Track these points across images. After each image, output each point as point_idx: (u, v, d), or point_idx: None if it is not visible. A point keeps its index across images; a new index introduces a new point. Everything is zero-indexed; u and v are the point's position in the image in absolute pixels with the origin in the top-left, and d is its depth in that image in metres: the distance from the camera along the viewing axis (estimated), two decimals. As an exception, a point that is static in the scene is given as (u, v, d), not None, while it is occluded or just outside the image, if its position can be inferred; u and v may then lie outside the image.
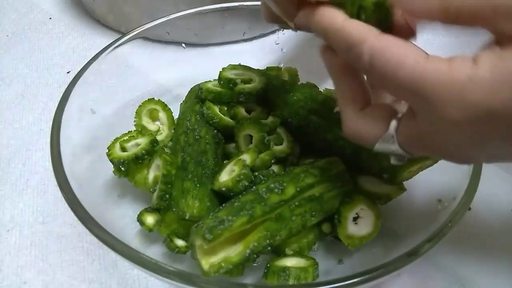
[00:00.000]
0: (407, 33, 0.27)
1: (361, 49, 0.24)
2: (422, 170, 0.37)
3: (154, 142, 0.39)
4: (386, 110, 0.27)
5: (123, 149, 0.39)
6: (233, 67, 0.45)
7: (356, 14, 0.26)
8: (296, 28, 0.32)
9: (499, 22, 0.22)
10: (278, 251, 0.35)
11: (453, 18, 0.24)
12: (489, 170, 0.35)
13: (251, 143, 0.40)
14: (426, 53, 0.24)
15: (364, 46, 0.24)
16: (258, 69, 0.46)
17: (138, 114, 0.44)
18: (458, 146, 0.24)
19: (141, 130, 0.42)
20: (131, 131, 0.41)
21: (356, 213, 0.35)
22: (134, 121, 0.44)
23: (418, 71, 0.23)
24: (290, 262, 0.34)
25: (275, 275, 0.32)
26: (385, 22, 0.26)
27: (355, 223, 0.35)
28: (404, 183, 0.38)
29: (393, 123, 0.26)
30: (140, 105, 0.44)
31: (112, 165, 0.39)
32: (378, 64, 0.24)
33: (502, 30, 0.22)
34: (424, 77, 0.22)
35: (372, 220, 0.35)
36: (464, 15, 0.23)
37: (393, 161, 0.28)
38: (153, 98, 0.44)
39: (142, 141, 0.39)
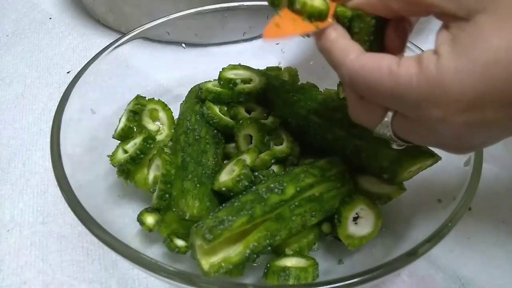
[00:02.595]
0: (398, 48, 0.29)
1: (341, 72, 0.27)
2: (422, 170, 0.37)
3: (147, 140, 0.38)
4: None
5: (125, 151, 0.39)
6: (233, 67, 0.45)
7: (348, 26, 0.28)
8: None
9: (439, 4, 0.23)
10: (278, 251, 0.35)
11: (395, 10, 0.26)
12: (489, 170, 0.35)
13: (251, 143, 0.40)
14: (398, 57, 0.25)
15: (343, 69, 0.26)
16: (258, 69, 0.46)
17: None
18: (450, 137, 0.25)
19: (141, 130, 0.42)
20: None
21: (356, 213, 0.35)
22: (134, 121, 0.44)
23: (394, 81, 0.24)
24: (290, 262, 0.34)
25: (275, 275, 0.32)
26: (369, 32, 0.28)
27: (355, 223, 0.35)
28: (404, 183, 0.38)
29: (390, 114, 0.27)
30: (140, 105, 0.44)
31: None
32: (358, 84, 0.26)
33: (443, 10, 0.23)
34: (401, 85, 0.24)
35: (372, 220, 0.35)
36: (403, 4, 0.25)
37: (393, 145, 0.30)
38: (153, 98, 0.45)
39: (137, 140, 0.39)
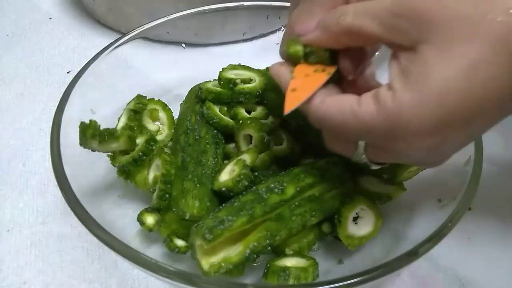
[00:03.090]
0: (352, 71, 0.30)
1: (309, 118, 0.28)
2: (422, 170, 0.37)
3: (150, 141, 0.38)
4: None
5: (125, 150, 0.39)
6: (233, 67, 0.45)
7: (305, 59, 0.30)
8: None
9: (385, 36, 0.24)
10: (278, 251, 0.35)
11: (345, 43, 0.27)
12: (489, 170, 0.35)
13: (251, 143, 0.40)
14: (357, 97, 0.26)
15: (309, 116, 0.28)
16: (258, 69, 0.46)
17: (138, 114, 0.44)
18: (421, 158, 0.26)
19: (141, 130, 0.42)
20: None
21: (356, 213, 0.35)
22: (134, 121, 0.44)
23: (357, 121, 0.25)
24: (290, 262, 0.34)
25: (275, 275, 0.32)
26: (326, 63, 0.29)
27: (355, 223, 0.35)
28: (404, 183, 0.38)
29: (362, 144, 0.28)
30: (140, 105, 0.44)
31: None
32: (326, 128, 0.29)
33: (389, 42, 0.25)
34: (365, 124, 0.25)
35: (372, 220, 0.35)
36: (354, 36, 0.26)
37: (372, 167, 0.31)
38: (153, 98, 0.44)
39: (140, 141, 0.39)
